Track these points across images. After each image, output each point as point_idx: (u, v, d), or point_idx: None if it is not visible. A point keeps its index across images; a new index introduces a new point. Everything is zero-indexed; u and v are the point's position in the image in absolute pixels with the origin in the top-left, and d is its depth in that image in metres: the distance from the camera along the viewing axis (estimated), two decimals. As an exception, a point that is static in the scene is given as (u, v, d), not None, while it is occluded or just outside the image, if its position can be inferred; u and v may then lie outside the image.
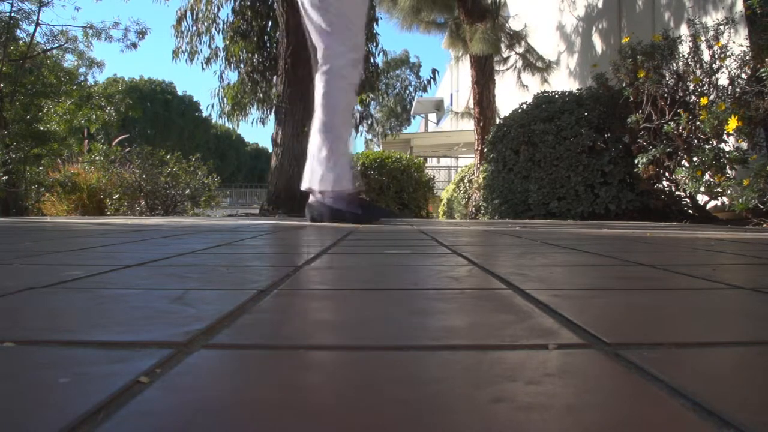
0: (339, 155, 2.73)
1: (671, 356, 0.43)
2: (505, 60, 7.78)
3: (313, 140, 2.79)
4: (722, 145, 3.22)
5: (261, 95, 7.52)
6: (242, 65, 7.53)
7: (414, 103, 24.98)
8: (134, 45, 10.10)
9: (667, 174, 3.67)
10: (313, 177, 2.75)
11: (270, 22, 7.62)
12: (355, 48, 2.81)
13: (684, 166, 3.41)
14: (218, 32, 7.82)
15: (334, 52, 2.74)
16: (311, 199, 2.84)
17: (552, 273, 0.92)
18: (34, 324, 0.55)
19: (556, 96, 4.49)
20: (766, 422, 0.30)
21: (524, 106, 4.61)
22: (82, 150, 8.59)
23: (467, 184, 7.39)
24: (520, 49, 7.64)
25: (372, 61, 7.40)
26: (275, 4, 6.86)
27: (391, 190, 7.00)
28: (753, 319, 0.60)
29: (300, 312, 0.63)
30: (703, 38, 3.44)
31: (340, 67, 2.74)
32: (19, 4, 8.12)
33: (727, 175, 3.17)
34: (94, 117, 9.58)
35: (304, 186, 2.83)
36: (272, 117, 7.16)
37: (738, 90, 3.16)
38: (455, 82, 18.02)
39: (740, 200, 2.89)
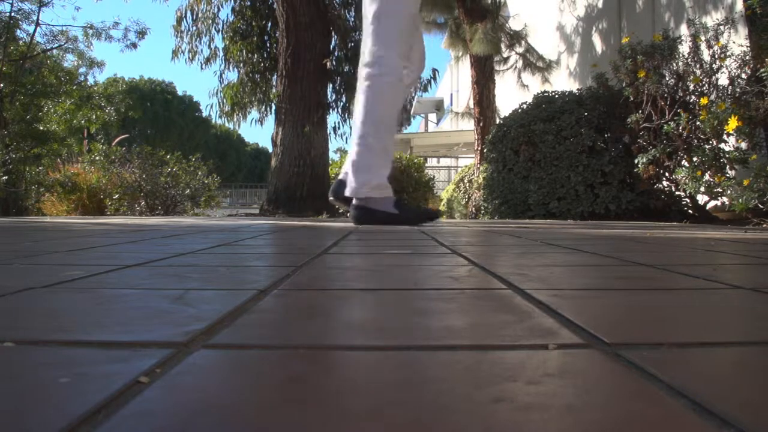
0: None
1: (671, 356, 0.43)
2: (505, 60, 7.78)
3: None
4: (722, 145, 3.22)
5: (260, 95, 7.52)
6: (242, 65, 7.53)
7: (414, 103, 24.94)
8: (134, 45, 10.11)
9: (667, 174, 3.67)
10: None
11: (270, 22, 7.62)
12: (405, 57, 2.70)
13: (684, 166, 3.41)
14: (218, 32, 7.81)
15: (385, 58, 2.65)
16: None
17: (552, 273, 0.92)
18: (34, 324, 0.55)
19: (556, 96, 4.50)
20: (766, 422, 0.30)
21: (524, 106, 4.61)
22: (82, 150, 8.59)
23: (467, 184, 7.39)
24: (520, 49, 7.64)
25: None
26: (275, 4, 6.86)
27: (391, 190, 6.99)
28: (753, 319, 0.60)
29: (300, 312, 0.63)
30: (703, 38, 3.44)
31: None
32: (19, 4, 8.13)
33: (727, 175, 3.17)
34: (94, 117, 9.59)
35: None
36: (271, 117, 7.15)
37: (738, 90, 3.16)
38: (455, 82, 18.01)
39: (740, 200, 2.89)
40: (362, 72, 2.71)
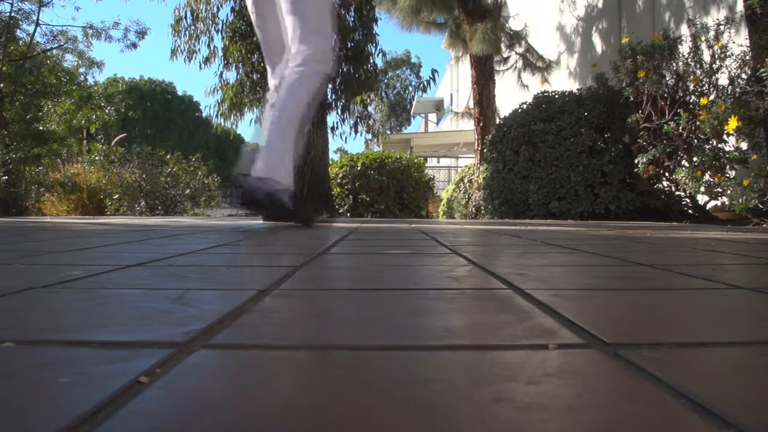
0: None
1: (671, 356, 0.43)
2: (505, 60, 7.78)
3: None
4: (722, 145, 3.22)
5: (260, 95, 7.52)
6: (241, 65, 7.52)
7: (414, 103, 25.00)
8: (134, 45, 10.08)
9: (667, 174, 3.67)
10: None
11: (270, 23, 7.59)
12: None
13: (684, 166, 3.41)
14: (217, 32, 7.80)
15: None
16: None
17: (552, 273, 0.92)
18: (34, 324, 0.55)
19: (556, 96, 4.50)
20: (766, 422, 0.30)
21: (524, 106, 4.61)
22: (82, 150, 8.58)
23: (467, 184, 7.39)
24: (520, 49, 7.64)
25: (371, 61, 7.40)
26: (275, 4, 6.84)
27: (391, 190, 7.00)
28: (753, 319, 0.60)
29: (300, 312, 0.63)
30: (703, 38, 3.44)
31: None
32: (19, 4, 8.11)
33: (727, 175, 3.17)
34: (94, 117, 9.57)
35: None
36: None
37: (738, 90, 3.16)
38: (455, 82, 18.02)
39: (740, 200, 2.89)
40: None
